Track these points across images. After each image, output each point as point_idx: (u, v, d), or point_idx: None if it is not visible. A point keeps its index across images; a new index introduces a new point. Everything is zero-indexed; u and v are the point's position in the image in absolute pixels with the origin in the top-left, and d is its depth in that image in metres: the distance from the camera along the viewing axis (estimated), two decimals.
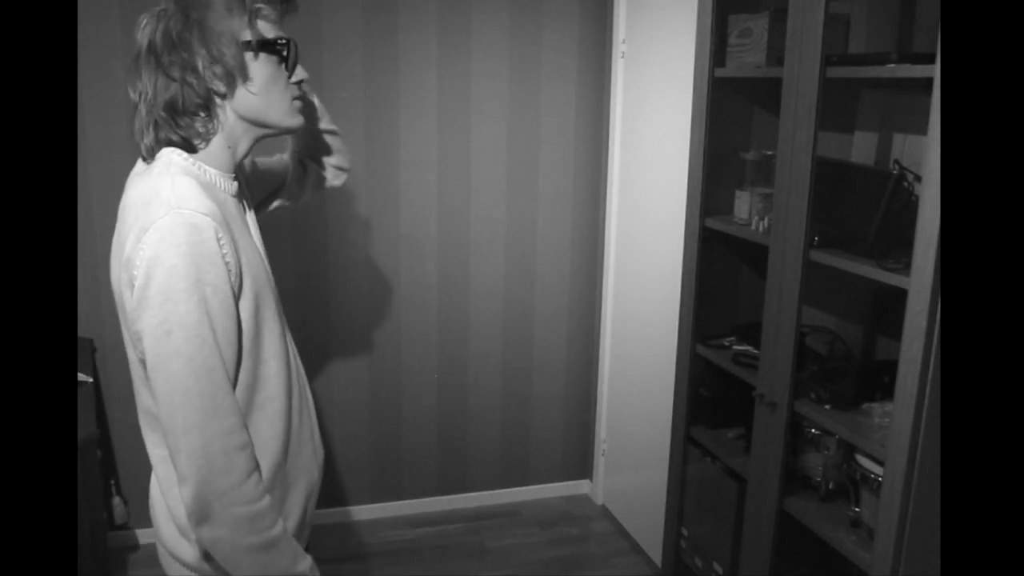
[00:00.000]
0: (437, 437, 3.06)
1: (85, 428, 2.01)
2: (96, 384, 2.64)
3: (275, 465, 1.19)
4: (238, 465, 1.08)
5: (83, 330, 2.62)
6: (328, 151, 1.56)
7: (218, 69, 1.10)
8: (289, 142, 1.55)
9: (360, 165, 2.76)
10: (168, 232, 1.02)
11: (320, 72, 2.65)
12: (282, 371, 1.19)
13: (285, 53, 1.16)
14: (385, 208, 2.82)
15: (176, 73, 1.10)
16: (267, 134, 1.21)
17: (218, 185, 1.17)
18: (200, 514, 1.07)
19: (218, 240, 1.05)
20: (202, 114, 1.13)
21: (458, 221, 2.90)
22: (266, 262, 1.23)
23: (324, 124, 1.52)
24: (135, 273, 1.04)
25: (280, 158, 1.56)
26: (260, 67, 1.14)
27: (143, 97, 1.12)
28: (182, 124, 1.12)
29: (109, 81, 2.50)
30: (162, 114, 1.11)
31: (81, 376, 2.30)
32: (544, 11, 2.81)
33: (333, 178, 1.60)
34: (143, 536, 2.82)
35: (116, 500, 2.75)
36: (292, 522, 1.25)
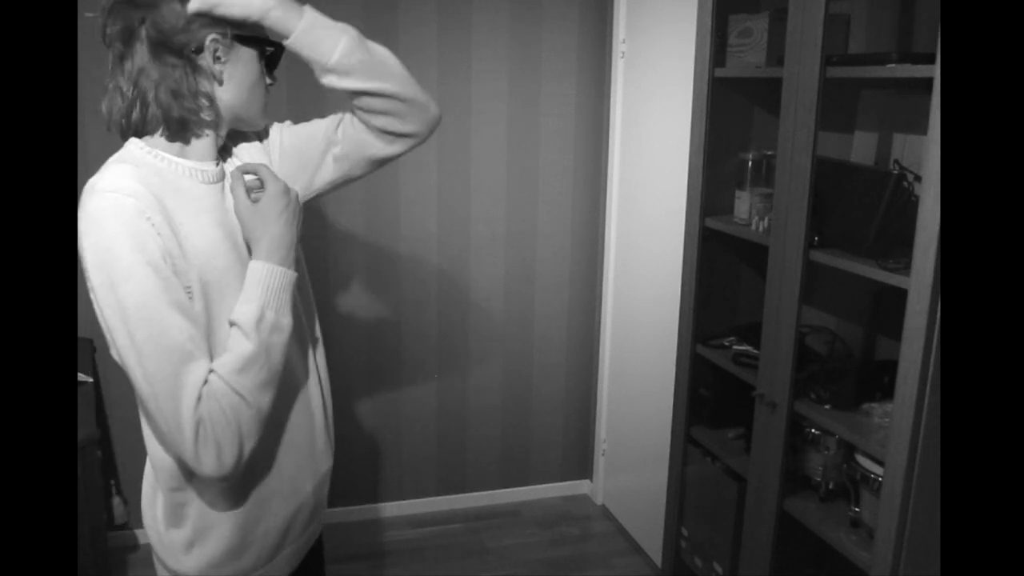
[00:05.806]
0: (437, 437, 3.06)
1: (85, 428, 2.01)
2: (96, 384, 2.64)
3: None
4: (189, 379, 1.05)
5: (83, 330, 2.62)
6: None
7: (203, 69, 1.12)
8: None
9: None
10: (87, 216, 1.08)
11: None
12: None
13: (268, 55, 1.18)
14: (385, 208, 2.81)
15: (174, 71, 1.10)
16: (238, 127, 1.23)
17: (174, 170, 1.14)
18: (190, 442, 1.05)
19: (147, 219, 1.06)
20: (205, 103, 1.13)
21: (458, 221, 2.90)
22: (242, 251, 1.17)
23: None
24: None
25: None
26: (244, 65, 1.15)
27: (129, 80, 1.11)
28: (187, 106, 1.12)
29: None
30: (162, 97, 1.11)
31: (81, 376, 2.30)
32: (544, 11, 2.81)
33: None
34: (143, 536, 2.82)
35: (116, 500, 2.75)
36: (270, 540, 1.24)
